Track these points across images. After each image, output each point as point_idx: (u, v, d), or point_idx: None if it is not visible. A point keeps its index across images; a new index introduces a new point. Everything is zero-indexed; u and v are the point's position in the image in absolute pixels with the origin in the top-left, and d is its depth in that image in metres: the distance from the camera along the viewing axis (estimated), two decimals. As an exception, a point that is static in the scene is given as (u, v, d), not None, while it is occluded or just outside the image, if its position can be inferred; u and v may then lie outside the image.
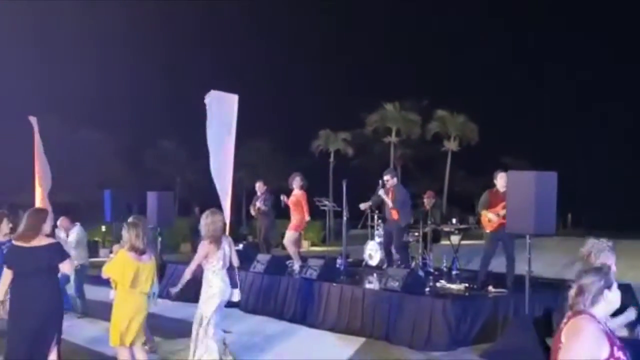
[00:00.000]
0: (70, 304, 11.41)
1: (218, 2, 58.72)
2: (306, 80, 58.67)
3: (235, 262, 7.91)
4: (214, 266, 7.49)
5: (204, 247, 7.50)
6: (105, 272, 6.99)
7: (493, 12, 65.63)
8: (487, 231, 10.73)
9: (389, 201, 11.86)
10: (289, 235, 12.88)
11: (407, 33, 64.41)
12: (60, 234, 11.70)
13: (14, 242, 6.46)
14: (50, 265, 6.31)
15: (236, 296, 7.76)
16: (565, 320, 3.66)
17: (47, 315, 6.26)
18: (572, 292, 3.68)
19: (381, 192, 11.96)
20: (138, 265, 6.86)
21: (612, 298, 3.66)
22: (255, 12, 62.43)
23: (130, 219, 7.23)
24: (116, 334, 6.89)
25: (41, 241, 6.31)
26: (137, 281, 6.85)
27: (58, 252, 6.42)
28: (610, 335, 3.56)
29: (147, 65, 52.06)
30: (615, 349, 3.50)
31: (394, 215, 11.89)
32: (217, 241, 7.51)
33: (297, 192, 12.91)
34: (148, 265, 6.97)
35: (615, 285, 3.71)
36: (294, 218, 12.83)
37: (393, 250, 12.27)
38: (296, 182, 12.93)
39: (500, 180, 10.42)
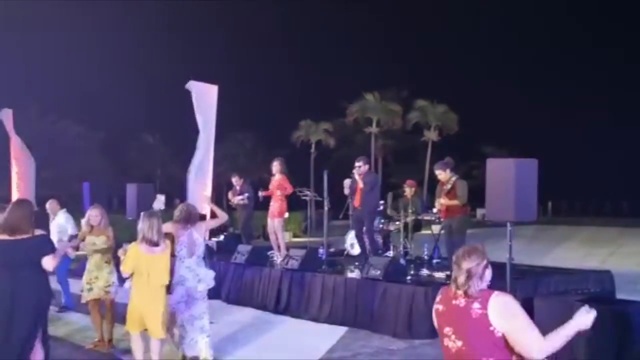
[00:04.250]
0: (72, 301, 11.12)
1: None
2: (286, 70, 58.62)
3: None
4: (178, 253, 7.43)
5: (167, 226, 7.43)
6: (124, 270, 7.02)
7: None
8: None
9: (361, 183, 11.74)
10: (277, 223, 12.68)
11: (386, 22, 64.49)
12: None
13: None
14: (37, 257, 6.10)
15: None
16: (463, 300, 3.75)
17: (34, 309, 6.09)
18: (461, 278, 3.76)
19: (354, 172, 11.84)
20: (150, 257, 6.90)
21: (489, 276, 3.83)
22: (235, 2, 62.19)
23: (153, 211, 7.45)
24: (129, 321, 7.05)
25: (27, 233, 6.12)
26: (149, 273, 6.89)
27: (44, 244, 6.24)
28: None
29: (129, 57, 51.83)
30: None
31: (357, 201, 11.89)
32: (181, 224, 7.47)
33: (278, 177, 12.64)
34: (161, 256, 6.99)
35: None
36: (277, 204, 12.58)
37: (364, 236, 12.34)
38: (275, 167, 12.72)
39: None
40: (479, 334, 3.66)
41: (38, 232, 6.29)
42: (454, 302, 3.80)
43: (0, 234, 6.14)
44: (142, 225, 6.95)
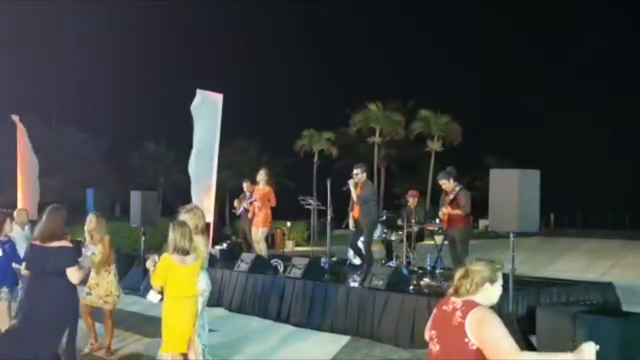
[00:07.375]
0: None
1: (201, 3, 58.70)
2: (290, 79, 58.71)
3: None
4: None
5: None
6: (155, 283, 6.62)
7: (474, 13, 66.06)
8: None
9: (354, 195, 11.75)
10: (262, 232, 13.19)
11: (389, 34, 64.62)
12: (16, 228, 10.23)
13: (33, 241, 6.35)
14: (64, 266, 6.19)
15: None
16: (451, 306, 3.84)
17: (59, 317, 6.20)
18: (458, 274, 3.92)
19: (350, 182, 11.84)
20: (182, 267, 6.54)
21: (492, 292, 3.88)
22: (238, 12, 62.37)
23: (184, 213, 7.11)
24: (170, 342, 6.61)
25: (60, 240, 6.25)
26: (180, 285, 6.55)
27: (70, 254, 6.33)
28: None
29: (133, 65, 51.94)
30: None
31: (356, 212, 11.87)
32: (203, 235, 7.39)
33: (264, 187, 13.23)
34: (192, 266, 6.64)
35: (499, 282, 3.92)
36: (262, 214, 13.15)
37: (360, 246, 12.38)
38: (261, 176, 13.30)
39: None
40: (454, 342, 3.74)
41: (68, 243, 6.40)
42: (444, 307, 3.91)
43: (36, 240, 6.30)
44: (174, 235, 6.54)
